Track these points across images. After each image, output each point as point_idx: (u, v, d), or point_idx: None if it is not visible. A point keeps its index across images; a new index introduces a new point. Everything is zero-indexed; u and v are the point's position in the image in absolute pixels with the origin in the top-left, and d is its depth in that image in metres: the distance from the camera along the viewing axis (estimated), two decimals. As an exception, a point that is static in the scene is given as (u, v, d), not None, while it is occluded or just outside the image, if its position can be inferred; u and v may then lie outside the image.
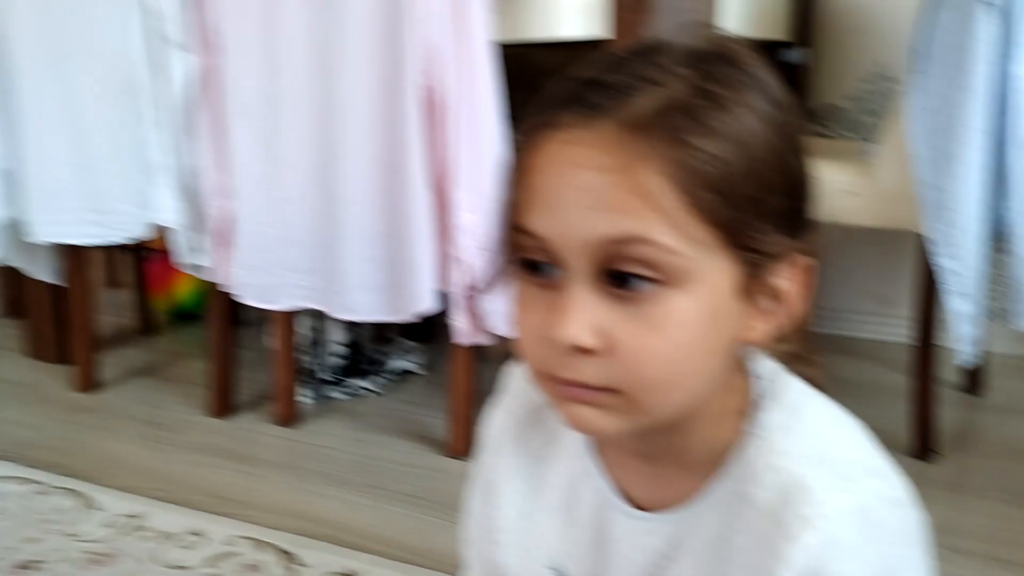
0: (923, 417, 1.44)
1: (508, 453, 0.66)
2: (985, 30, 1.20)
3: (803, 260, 0.51)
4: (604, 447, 0.61)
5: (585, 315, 0.48)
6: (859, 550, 0.49)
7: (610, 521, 0.60)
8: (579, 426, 0.52)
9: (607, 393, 0.49)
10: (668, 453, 0.57)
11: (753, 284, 0.50)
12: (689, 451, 0.56)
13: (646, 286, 0.47)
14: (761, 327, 0.52)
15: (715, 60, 0.50)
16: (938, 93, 1.26)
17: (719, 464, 0.55)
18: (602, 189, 0.46)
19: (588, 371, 0.49)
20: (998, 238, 1.38)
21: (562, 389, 0.51)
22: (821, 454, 0.52)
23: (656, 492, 0.58)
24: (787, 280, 0.51)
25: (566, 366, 0.49)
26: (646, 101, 0.47)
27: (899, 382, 1.46)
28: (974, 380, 1.72)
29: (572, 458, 0.63)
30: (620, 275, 0.47)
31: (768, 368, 0.57)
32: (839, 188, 1.44)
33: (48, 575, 1.17)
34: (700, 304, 0.48)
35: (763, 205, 0.48)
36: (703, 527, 0.56)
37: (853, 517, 0.49)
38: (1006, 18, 1.20)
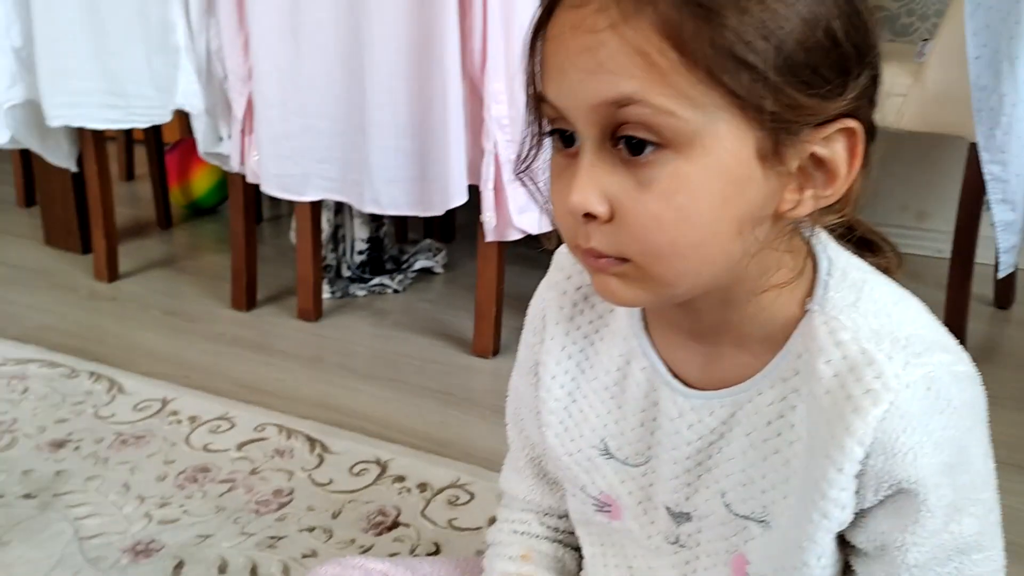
0: (957, 328, 1.42)
1: (558, 333, 0.64)
2: (1058, -80, 1.13)
3: (845, 123, 0.46)
4: (655, 326, 0.60)
5: (592, 182, 0.47)
6: (925, 421, 0.48)
7: (663, 400, 0.59)
8: (606, 296, 0.51)
9: (621, 262, 0.48)
10: (721, 331, 0.55)
11: (783, 150, 0.46)
12: (744, 329, 0.54)
13: (649, 150, 0.45)
14: (804, 199, 0.48)
15: None
16: (1001, -11, 1.20)
17: (779, 342, 0.53)
18: (597, 50, 0.44)
19: (600, 238, 0.48)
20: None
21: (587, 260, 0.50)
22: (888, 329, 0.50)
23: (710, 372, 0.57)
24: (829, 147, 0.47)
25: (584, 235, 0.48)
26: None
27: (932, 296, 1.44)
28: (1003, 293, 1.70)
29: (623, 338, 0.61)
30: (628, 139, 0.46)
31: (832, 248, 0.54)
32: (885, 90, 1.39)
33: (82, 454, 1.18)
34: (707, 169, 0.45)
35: (780, 60, 0.44)
36: (761, 403, 0.54)
37: (919, 389, 0.48)
38: (1082, -92, 1.13)
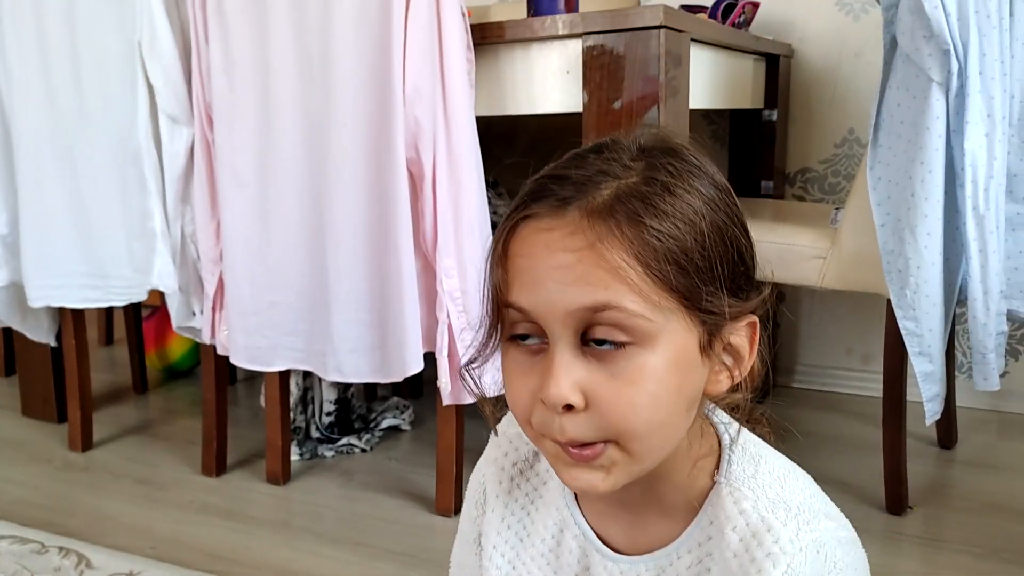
0: (895, 472, 1.49)
1: (498, 505, 0.71)
2: (938, 108, 1.28)
3: (750, 318, 0.59)
4: (584, 498, 0.68)
5: (570, 376, 0.54)
6: None
7: (594, 565, 0.66)
8: (578, 487, 0.58)
9: (608, 445, 0.55)
10: (645, 501, 0.63)
11: (713, 341, 0.57)
12: (665, 498, 0.63)
13: (619, 346, 0.54)
14: (723, 379, 0.59)
15: (661, 153, 0.58)
16: (897, 166, 1.34)
17: (693, 510, 0.62)
18: (575, 266, 0.53)
19: (577, 428, 0.55)
20: (960, 301, 1.45)
21: (570, 452, 0.56)
22: (782, 498, 0.59)
23: (635, 538, 0.65)
24: (739, 336, 0.59)
25: (560, 428, 0.55)
26: (605, 191, 0.55)
27: (878, 437, 1.52)
28: (945, 433, 1.78)
29: (556, 508, 0.69)
30: (597, 338, 0.54)
31: (731, 426, 0.64)
32: (807, 253, 1.51)
33: (45, 635, 1.21)
34: (666, 359, 0.54)
35: (713, 273, 0.55)
36: (681, 566, 0.62)
37: (811, 552, 0.56)
38: (957, 96, 1.28)
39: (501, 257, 0.58)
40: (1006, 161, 1.34)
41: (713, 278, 0.55)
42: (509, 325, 0.58)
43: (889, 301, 1.40)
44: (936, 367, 1.37)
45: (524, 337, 0.57)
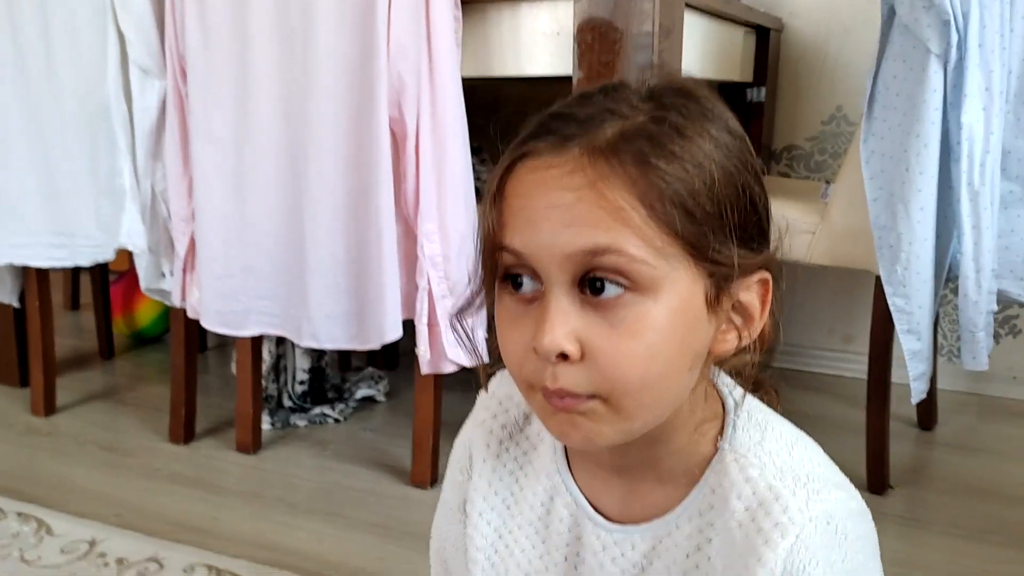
0: (877, 452, 1.48)
1: (485, 470, 0.67)
2: (936, 80, 1.25)
3: (762, 275, 0.55)
4: (577, 463, 0.64)
5: (565, 323, 0.50)
6: (826, 553, 0.52)
7: (586, 535, 0.62)
8: (568, 438, 0.54)
9: (593, 400, 0.52)
10: (643, 466, 0.59)
11: (721, 295, 0.53)
12: (665, 464, 0.59)
13: (619, 293, 0.50)
14: (731, 339, 0.55)
15: (672, 94, 0.54)
16: (892, 139, 1.31)
17: (694, 477, 0.58)
18: (574, 206, 0.50)
19: (572, 378, 0.51)
20: (949, 280, 1.43)
21: (552, 400, 0.53)
22: (790, 467, 0.56)
23: (630, 506, 0.61)
24: (750, 294, 0.55)
25: (552, 375, 0.51)
26: (610, 129, 0.51)
27: (858, 417, 1.50)
28: (925, 415, 1.77)
29: (547, 474, 0.65)
30: (595, 283, 0.50)
31: (735, 390, 0.60)
32: (796, 227, 1.48)
33: (1, 603, 1.16)
34: (670, 310, 0.51)
35: (723, 220, 0.51)
36: (680, 536, 0.58)
37: (820, 523, 0.53)
38: (956, 69, 1.25)
39: (496, 197, 0.54)
40: (1002, 137, 1.31)
41: (722, 226, 0.51)
42: (503, 269, 0.54)
43: (878, 278, 1.38)
44: (924, 345, 1.35)
45: (518, 284, 0.53)
